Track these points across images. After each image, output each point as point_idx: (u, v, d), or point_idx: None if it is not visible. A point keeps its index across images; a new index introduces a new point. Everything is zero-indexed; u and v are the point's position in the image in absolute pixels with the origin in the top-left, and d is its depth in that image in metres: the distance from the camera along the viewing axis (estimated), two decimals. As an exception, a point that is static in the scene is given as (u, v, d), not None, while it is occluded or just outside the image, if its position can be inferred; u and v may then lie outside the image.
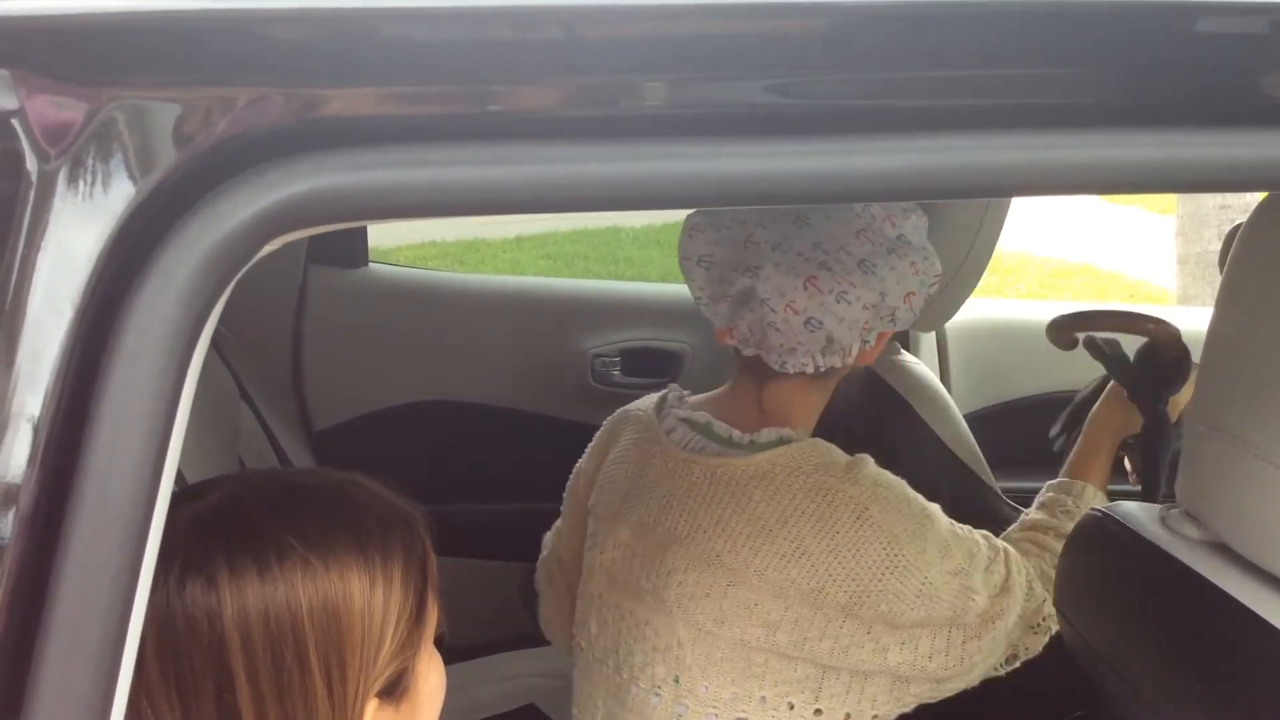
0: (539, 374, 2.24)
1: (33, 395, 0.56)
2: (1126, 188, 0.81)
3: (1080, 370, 2.58)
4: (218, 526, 0.73)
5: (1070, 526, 1.40)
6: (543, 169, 0.63)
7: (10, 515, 0.56)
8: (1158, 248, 6.74)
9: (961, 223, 1.71)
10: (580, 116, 0.65)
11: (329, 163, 0.61)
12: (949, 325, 2.54)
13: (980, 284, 1.82)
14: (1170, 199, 6.11)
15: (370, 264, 2.28)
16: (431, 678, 0.81)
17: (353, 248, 2.21)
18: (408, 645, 0.76)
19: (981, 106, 0.72)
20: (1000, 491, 1.74)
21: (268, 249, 0.60)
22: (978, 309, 2.72)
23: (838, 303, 1.25)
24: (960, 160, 0.72)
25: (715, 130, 0.65)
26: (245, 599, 0.70)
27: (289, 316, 2.12)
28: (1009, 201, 1.75)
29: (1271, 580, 1.12)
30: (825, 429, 2.03)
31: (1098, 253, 7.41)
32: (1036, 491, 1.88)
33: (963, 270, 1.77)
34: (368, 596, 0.73)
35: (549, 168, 0.63)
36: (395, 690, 0.77)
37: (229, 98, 0.60)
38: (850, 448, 1.88)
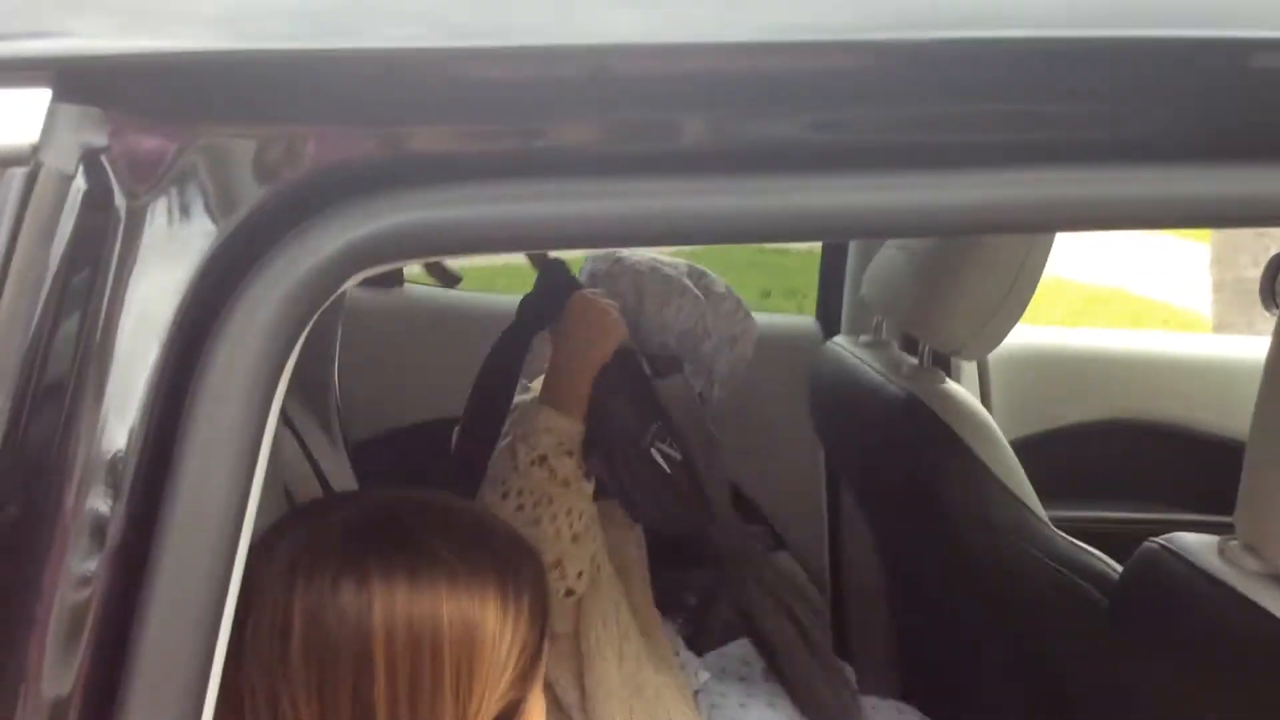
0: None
1: (121, 428, 0.57)
2: (1172, 223, 0.81)
3: (1123, 398, 2.58)
4: (374, 532, 0.76)
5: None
6: (617, 203, 0.64)
7: (99, 548, 0.56)
8: (1191, 273, 6.70)
9: (1007, 254, 1.70)
10: (648, 152, 0.65)
11: (410, 199, 0.61)
12: (991, 354, 2.53)
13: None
14: (1204, 225, 6.07)
15: (405, 284, 2.33)
16: (536, 715, 0.82)
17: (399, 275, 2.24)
18: (526, 678, 0.78)
19: (1023, 141, 0.72)
20: (1047, 520, 1.72)
21: (349, 284, 0.60)
22: (1017, 336, 2.71)
23: None
24: (1000, 196, 0.73)
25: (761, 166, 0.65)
26: (394, 602, 0.72)
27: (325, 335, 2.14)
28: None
29: (1335, 613, 1.11)
30: (868, 456, 2.02)
31: (1130, 278, 7.38)
32: (1078, 519, 1.85)
33: (1009, 299, 1.76)
34: (500, 622, 0.75)
35: (624, 202, 0.64)
36: (511, 715, 0.78)
37: (311, 136, 0.60)
38: (896, 475, 1.87)
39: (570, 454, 1.36)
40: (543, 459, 1.35)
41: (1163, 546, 1.30)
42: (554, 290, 1.45)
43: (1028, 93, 0.70)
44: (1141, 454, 2.53)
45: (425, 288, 2.49)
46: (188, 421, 0.58)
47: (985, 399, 2.51)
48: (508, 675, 0.76)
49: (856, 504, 2.27)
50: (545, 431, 1.36)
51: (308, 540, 0.74)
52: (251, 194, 0.59)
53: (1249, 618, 1.17)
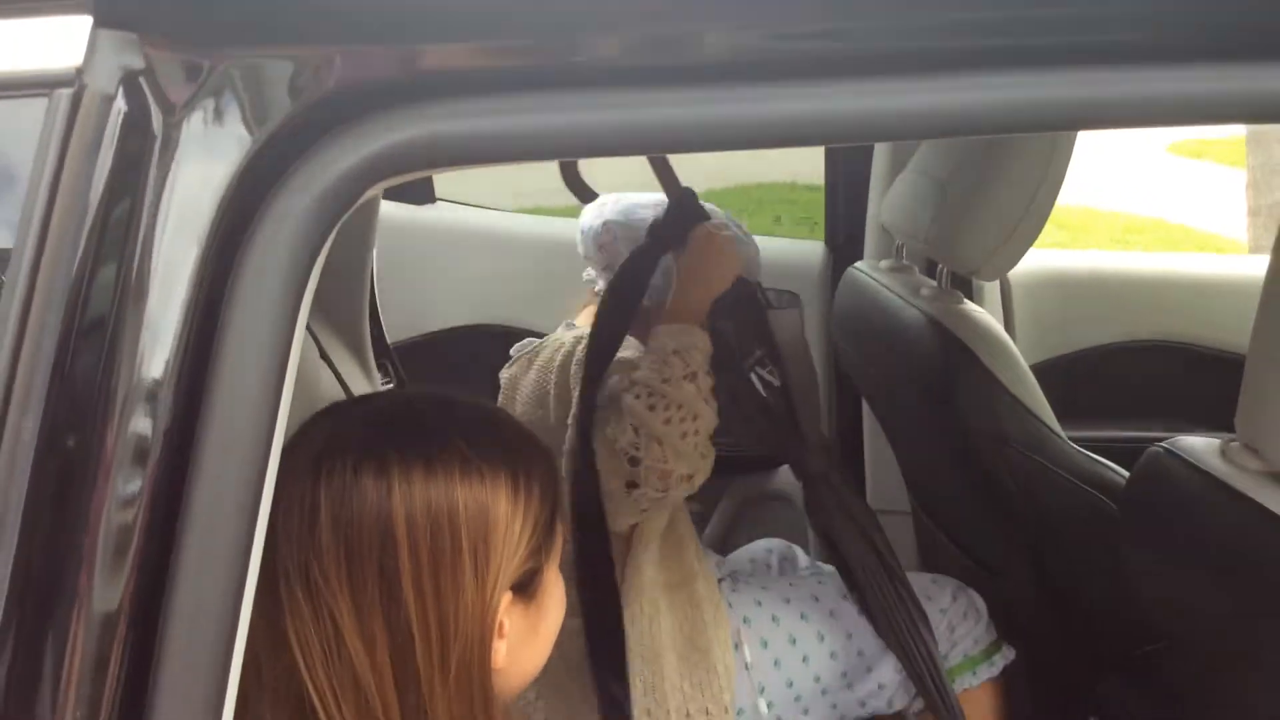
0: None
1: (165, 329, 0.62)
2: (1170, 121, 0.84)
3: (1144, 322, 2.60)
4: (392, 422, 0.83)
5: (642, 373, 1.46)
6: (621, 114, 0.68)
7: (152, 420, 0.62)
8: (1228, 200, 6.64)
9: (1024, 170, 1.72)
10: (657, 65, 0.69)
11: (426, 112, 0.66)
12: (1013, 277, 2.56)
13: (1050, 240, 1.85)
14: (1240, 151, 6.02)
15: (438, 200, 2.51)
16: (556, 591, 0.91)
17: (422, 186, 2.39)
18: (540, 552, 0.86)
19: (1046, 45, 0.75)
20: (1063, 434, 1.76)
21: (370, 193, 0.65)
22: (1041, 260, 2.73)
23: None
24: (1020, 96, 0.76)
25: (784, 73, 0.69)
26: (412, 487, 0.79)
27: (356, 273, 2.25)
28: (1071, 149, 1.76)
29: (1331, 508, 1.15)
30: (890, 377, 2.06)
31: (1168, 206, 7.32)
32: (1102, 440, 1.88)
33: (1027, 217, 1.78)
34: (511, 504, 0.83)
35: (628, 112, 0.68)
36: (527, 589, 0.86)
37: (334, 55, 0.65)
38: (911, 390, 1.91)
39: (710, 373, 1.46)
40: (694, 375, 1.44)
41: (1166, 450, 1.34)
42: (681, 220, 1.55)
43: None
44: (1166, 373, 2.56)
45: (457, 206, 2.67)
46: (227, 319, 0.63)
47: (1008, 322, 2.54)
48: (521, 551, 0.83)
49: (880, 424, 2.31)
50: (698, 349, 1.45)
51: (331, 433, 0.81)
52: (279, 110, 0.64)
53: (1249, 515, 1.21)
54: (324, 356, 2.04)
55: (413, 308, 2.47)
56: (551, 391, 1.62)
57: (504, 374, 1.74)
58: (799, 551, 2.03)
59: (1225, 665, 1.41)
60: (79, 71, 0.60)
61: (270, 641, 0.78)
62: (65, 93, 0.60)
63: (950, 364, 1.79)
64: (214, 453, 0.64)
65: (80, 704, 0.64)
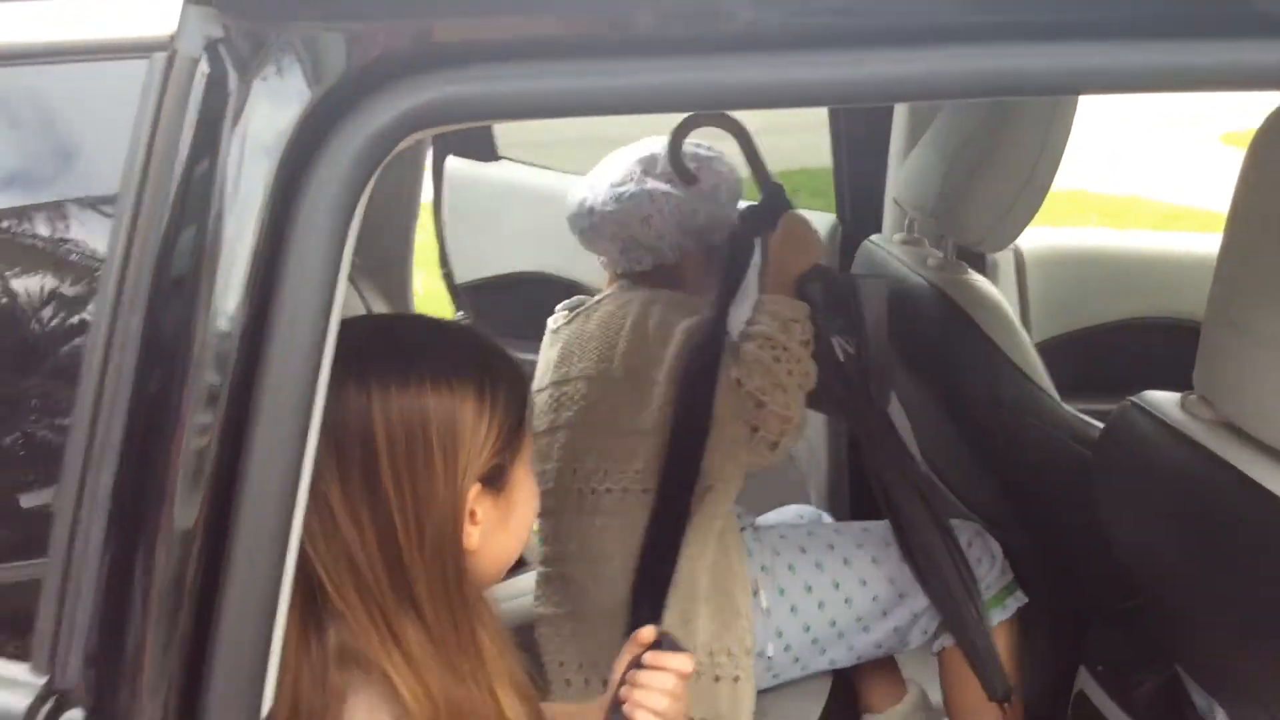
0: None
1: (240, 258, 0.77)
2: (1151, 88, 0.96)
3: (1156, 297, 2.69)
4: (372, 345, 0.98)
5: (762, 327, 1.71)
6: (606, 80, 0.82)
7: (232, 326, 0.76)
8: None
9: (1022, 145, 1.84)
10: (647, 36, 0.83)
11: (449, 76, 0.80)
12: (1027, 254, 2.67)
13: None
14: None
15: (501, 159, 2.77)
16: (525, 487, 1.06)
17: (487, 145, 2.64)
18: (505, 451, 1.01)
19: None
20: (1055, 395, 1.87)
21: (405, 144, 0.79)
22: (1056, 238, 2.84)
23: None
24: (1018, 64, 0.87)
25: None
26: (388, 401, 0.95)
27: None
28: (1068, 129, 1.87)
29: (1273, 453, 1.26)
30: (899, 346, 2.18)
31: (1216, 196, 7.31)
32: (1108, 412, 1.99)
33: (1026, 190, 1.89)
34: (476, 412, 0.98)
35: (612, 79, 0.82)
36: (495, 483, 1.01)
37: (376, 28, 0.79)
38: (917, 356, 2.04)
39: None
40: (807, 342, 1.71)
41: (1133, 403, 1.46)
42: (772, 208, 1.81)
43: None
44: (1176, 349, 2.65)
45: (518, 164, 2.96)
46: (286, 250, 0.78)
47: (1022, 297, 2.65)
48: (486, 450, 0.99)
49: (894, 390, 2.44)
50: (807, 319, 1.72)
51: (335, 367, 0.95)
52: (332, 73, 0.78)
53: (1199, 460, 1.33)
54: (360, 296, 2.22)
55: (476, 253, 2.80)
56: (621, 347, 1.77)
57: (554, 323, 1.90)
58: (827, 516, 2.18)
59: (1198, 615, 1.52)
60: (172, 39, 0.74)
61: None
62: (161, 55, 0.74)
63: (950, 329, 1.91)
64: (275, 372, 0.78)
65: (163, 612, 0.77)
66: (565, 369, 1.81)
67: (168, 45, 0.75)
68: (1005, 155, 1.86)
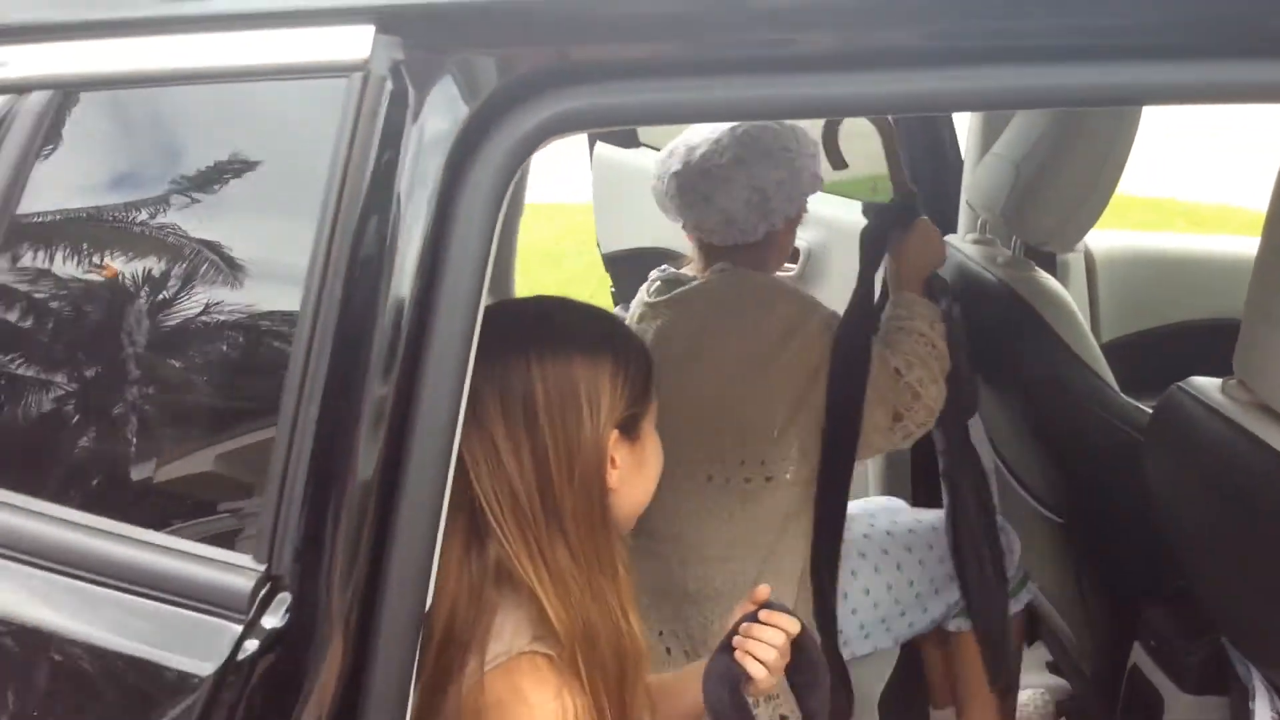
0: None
1: (414, 238, 0.95)
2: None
3: (1220, 298, 2.79)
4: (533, 325, 1.22)
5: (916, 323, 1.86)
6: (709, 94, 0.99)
7: (408, 292, 0.95)
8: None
9: (1088, 154, 1.97)
10: (767, 56, 0.99)
11: (580, 91, 0.98)
12: (1097, 254, 2.79)
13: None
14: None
15: (641, 145, 3.18)
16: (653, 441, 1.28)
17: (629, 134, 3.09)
18: (636, 404, 1.23)
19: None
20: (1114, 385, 2.01)
21: (545, 144, 0.98)
22: (1124, 239, 2.95)
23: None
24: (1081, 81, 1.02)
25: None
26: (546, 370, 1.17)
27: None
28: (1131, 138, 2.00)
29: (1303, 430, 1.39)
30: (970, 337, 2.33)
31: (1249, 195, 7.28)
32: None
33: (1092, 195, 2.03)
34: (613, 375, 1.20)
35: (713, 93, 0.99)
36: (630, 432, 1.23)
37: (519, 52, 0.98)
38: (986, 353, 2.18)
39: None
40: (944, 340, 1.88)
41: (1179, 388, 1.60)
42: (905, 210, 1.97)
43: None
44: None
45: (654, 151, 3.21)
46: (450, 227, 0.96)
47: (1092, 295, 2.77)
48: (621, 404, 1.20)
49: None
50: (941, 321, 1.90)
51: (494, 333, 1.14)
52: (485, 88, 0.96)
53: (1239, 440, 1.46)
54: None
55: (617, 228, 3.25)
56: (748, 334, 1.86)
57: (649, 295, 2.00)
58: (902, 504, 2.32)
59: (1240, 586, 1.64)
60: (366, 62, 0.93)
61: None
62: (358, 75, 0.93)
63: (1016, 320, 2.05)
64: (442, 329, 0.96)
65: (352, 521, 0.95)
66: (668, 348, 1.86)
67: (363, 67, 0.94)
68: (1071, 161, 2.00)
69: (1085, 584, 2.24)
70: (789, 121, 1.90)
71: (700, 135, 1.94)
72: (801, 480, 1.85)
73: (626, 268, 3.19)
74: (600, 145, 3.27)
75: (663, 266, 2.05)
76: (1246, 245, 3.37)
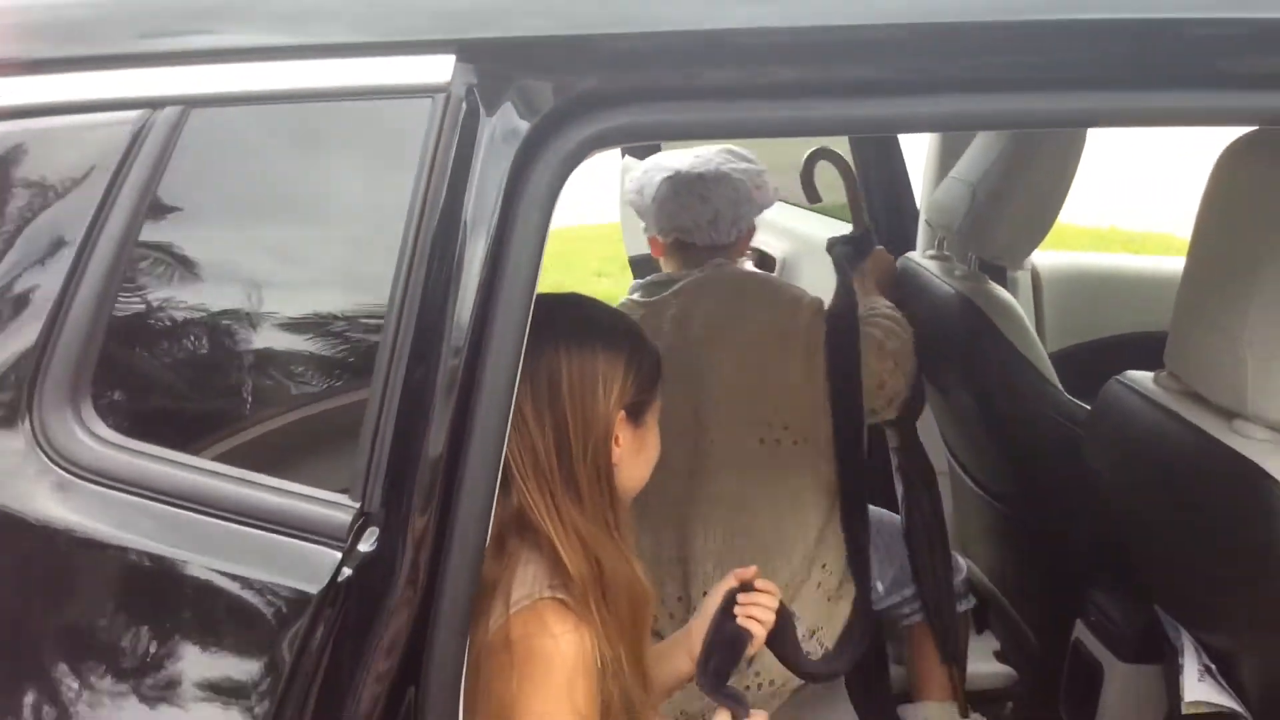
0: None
1: (481, 232, 1.13)
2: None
3: (1154, 313, 3.02)
4: (563, 317, 1.42)
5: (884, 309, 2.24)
6: (728, 115, 1.19)
7: (477, 278, 1.13)
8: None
9: (1038, 177, 2.19)
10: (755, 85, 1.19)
11: (619, 112, 1.17)
12: (1043, 272, 3.01)
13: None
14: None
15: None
16: (653, 432, 1.50)
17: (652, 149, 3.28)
18: (643, 393, 1.45)
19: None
20: (1060, 387, 2.22)
21: (592, 155, 1.16)
22: (1068, 259, 3.18)
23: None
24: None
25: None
26: (571, 356, 1.39)
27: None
28: (1076, 164, 2.23)
29: (1226, 413, 1.60)
30: (929, 345, 2.53)
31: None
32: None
33: (1040, 214, 2.25)
34: (627, 366, 1.42)
35: (731, 114, 1.19)
36: (636, 415, 1.45)
37: (572, 78, 1.16)
38: (942, 358, 2.39)
39: None
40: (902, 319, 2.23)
41: (1117, 380, 1.81)
42: (864, 242, 2.43)
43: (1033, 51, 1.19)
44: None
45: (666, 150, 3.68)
46: (512, 225, 1.14)
47: (1038, 309, 2.99)
48: (630, 390, 1.42)
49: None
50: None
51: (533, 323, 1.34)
52: (543, 108, 1.14)
53: (1170, 423, 1.67)
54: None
55: (639, 231, 3.46)
56: (763, 316, 2.15)
57: (646, 297, 2.25)
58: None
59: (1172, 554, 1.84)
60: (448, 84, 1.12)
61: None
62: (441, 95, 1.12)
63: (971, 328, 2.26)
64: (502, 310, 1.14)
65: (430, 468, 1.13)
66: (689, 332, 2.13)
67: (445, 89, 1.12)
68: (1023, 184, 2.22)
69: (1031, 568, 2.44)
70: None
71: (677, 157, 2.26)
72: (823, 439, 2.12)
73: (648, 269, 3.48)
74: (627, 158, 3.61)
75: (644, 281, 2.29)
76: (1178, 265, 3.63)
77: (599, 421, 1.38)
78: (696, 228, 2.20)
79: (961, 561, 2.45)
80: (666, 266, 2.30)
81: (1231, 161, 1.59)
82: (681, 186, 2.18)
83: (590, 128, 1.15)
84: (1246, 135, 1.57)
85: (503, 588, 1.35)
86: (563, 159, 1.15)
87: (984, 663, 2.82)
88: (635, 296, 2.25)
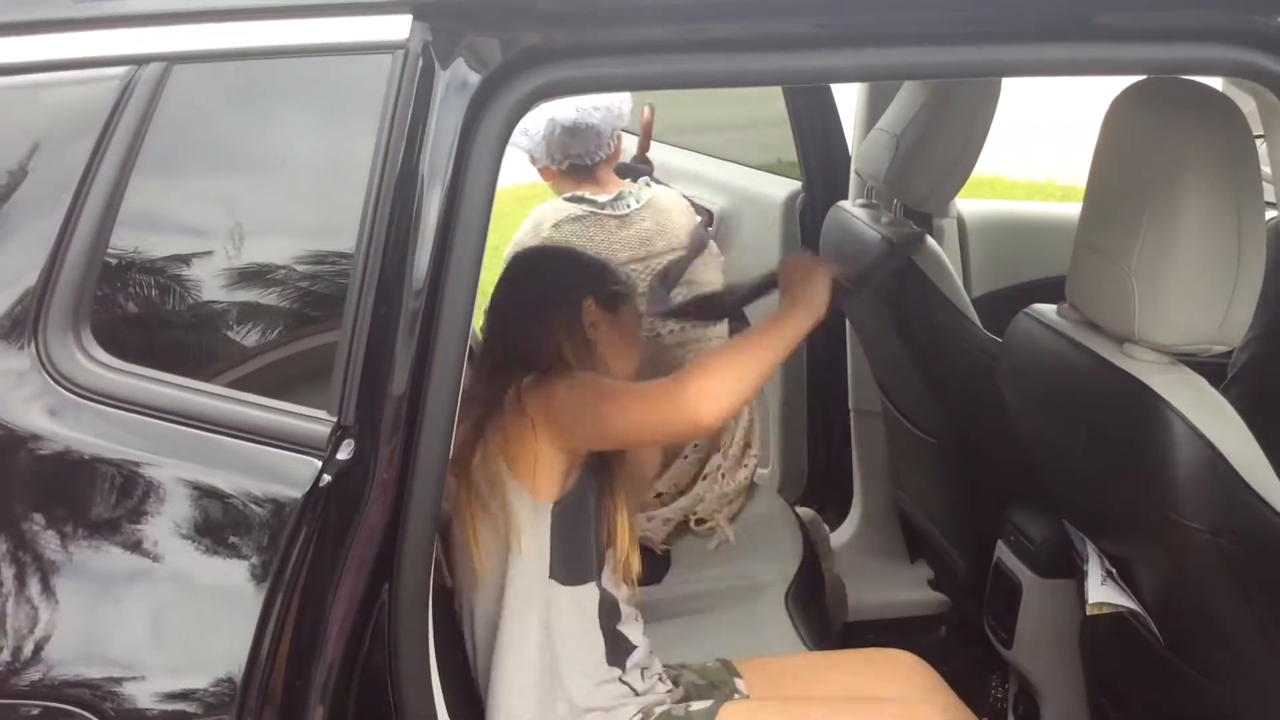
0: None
1: (440, 172, 1.27)
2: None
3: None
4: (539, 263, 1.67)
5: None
6: (678, 67, 1.32)
7: (435, 219, 1.26)
8: None
9: (954, 126, 2.34)
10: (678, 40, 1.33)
11: (559, 66, 1.30)
12: (969, 219, 3.17)
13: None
14: None
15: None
16: (627, 338, 1.75)
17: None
18: (616, 290, 1.71)
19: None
20: (978, 323, 2.38)
21: (535, 107, 1.29)
22: (993, 207, 3.35)
23: None
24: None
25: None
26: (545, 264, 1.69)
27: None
28: (990, 116, 2.38)
29: (1117, 339, 1.76)
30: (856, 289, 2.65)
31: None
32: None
33: (958, 162, 2.40)
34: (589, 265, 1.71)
35: (662, 67, 1.32)
36: (610, 305, 1.71)
37: (516, 35, 1.29)
38: (872, 300, 2.54)
39: None
40: None
41: (1024, 313, 1.97)
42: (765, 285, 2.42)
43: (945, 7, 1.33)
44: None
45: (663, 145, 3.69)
46: (466, 168, 1.28)
47: (965, 256, 3.15)
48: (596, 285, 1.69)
49: (856, 333, 2.95)
50: None
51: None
52: (492, 63, 1.28)
53: (1069, 350, 1.83)
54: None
55: None
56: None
57: (598, 213, 2.59)
58: None
59: (1074, 469, 2.00)
60: (405, 41, 1.25)
61: None
62: (400, 52, 1.25)
63: (896, 271, 2.42)
64: (459, 247, 1.28)
65: (398, 386, 1.26)
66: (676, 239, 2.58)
67: (403, 45, 1.25)
68: (941, 134, 2.36)
69: (957, 497, 2.62)
70: None
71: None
72: None
73: None
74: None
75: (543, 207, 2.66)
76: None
77: (568, 300, 1.66)
78: (589, 152, 2.60)
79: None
80: (558, 189, 2.67)
81: (1120, 108, 1.75)
82: (579, 123, 2.56)
83: (534, 80, 1.29)
84: (1133, 84, 1.73)
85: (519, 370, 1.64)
86: (510, 109, 1.28)
87: (918, 591, 3.01)
88: (578, 228, 2.57)
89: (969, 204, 3.17)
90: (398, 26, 1.25)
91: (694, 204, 2.78)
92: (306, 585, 1.21)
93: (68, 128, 1.23)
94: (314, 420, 1.23)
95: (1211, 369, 1.84)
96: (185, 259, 1.27)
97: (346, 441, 1.23)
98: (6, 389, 1.21)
